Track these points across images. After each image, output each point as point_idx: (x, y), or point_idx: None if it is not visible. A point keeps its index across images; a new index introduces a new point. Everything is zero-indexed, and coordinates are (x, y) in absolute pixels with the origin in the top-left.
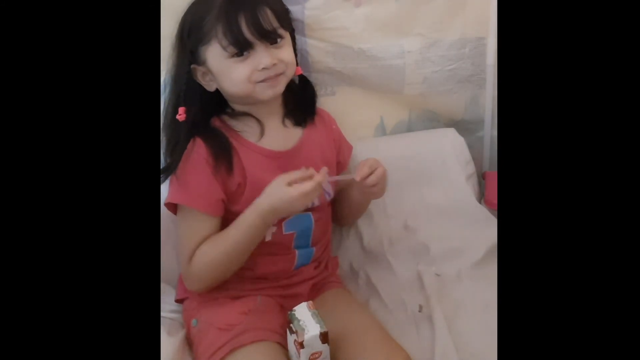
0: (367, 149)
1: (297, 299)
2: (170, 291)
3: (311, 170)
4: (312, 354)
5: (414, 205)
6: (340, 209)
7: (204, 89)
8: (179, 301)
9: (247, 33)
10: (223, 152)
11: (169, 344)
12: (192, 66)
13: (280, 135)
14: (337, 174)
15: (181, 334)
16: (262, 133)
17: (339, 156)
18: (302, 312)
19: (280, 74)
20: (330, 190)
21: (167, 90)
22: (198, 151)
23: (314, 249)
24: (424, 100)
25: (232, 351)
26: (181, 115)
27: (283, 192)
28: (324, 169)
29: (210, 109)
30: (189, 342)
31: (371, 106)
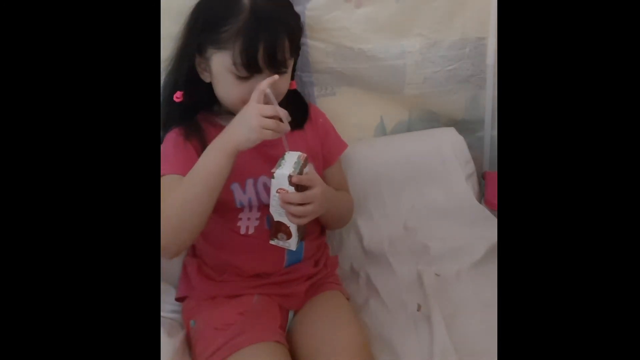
0: (367, 149)
1: (295, 298)
2: (170, 291)
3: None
4: (279, 189)
5: (414, 205)
6: (321, 220)
7: (200, 79)
8: (179, 299)
9: (261, 60)
10: (194, 131)
11: (169, 345)
12: (197, 57)
13: None
14: (323, 168)
15: (181, 334)
16: None
17: (323, 149)
18: (291, 156)
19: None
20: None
21: (169, 69)
22: (174, 130)
23: (303, 242)
24: (424, 100)
25: (230, 354)
26: (179, 97)
27: (246, 107)
28: (270, 80)
29: (202, 98)
30: (189, 343)
31: (371, 106)
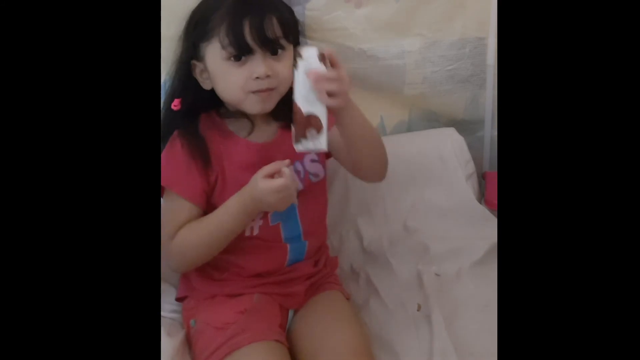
0: None
1: (295, 298)
2: (170, 291)
3: (286, 162)
4: (308, 71)
5: (414, 205)
6: (351, 154)
7: (200, 86)
8: (179, 299)
9: (248, 37)
10: (197, 146)
11: (169, 345)
12: (192, 62)
13: (265, 129)
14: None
15: (181, 334)
16: (252, 129)
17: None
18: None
19: (273, 89)
20: (319, 170)
21: (169, 77)
22: (176, 141)
23: (307, 242)
24: (424, 100)
25: (230, 353)
26: (176, 105)
27: (256, 182)
28: (286, 162)
29: (203, 106)
30: (189, 343)
31: (371, 106)
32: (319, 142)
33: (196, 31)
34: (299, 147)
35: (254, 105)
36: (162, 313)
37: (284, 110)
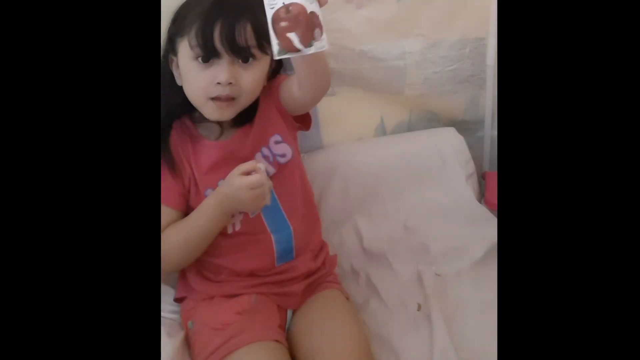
0: (367, 149)
1: (292, 298)
2: (170, 291)
3: (260, 164)
4: None
5: (414, 205)
6: (306, 65)
7: (176, 83)
8: (178, 300)
9: (216, 41)
10: (164, 153)
11: (169, 345)
12: (170, 55)
13: (230, 130)
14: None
15: (181, 334)
16: (221, 133)
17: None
18: None
19: (233, 98)
20: (285, 150)
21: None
22: None
23: (292, 229)
24: (424, 100)
25: (229, 354)
26: None
27: (232, 179)
28: (261, 166)
29: (177, 104)
30: (188, 343)
31: (372, 106)
32: (325, 41)
33: (174, 25)
34: (310, 51)
35: (211, 112)
36: (162, 313)
37: (247, 114)
